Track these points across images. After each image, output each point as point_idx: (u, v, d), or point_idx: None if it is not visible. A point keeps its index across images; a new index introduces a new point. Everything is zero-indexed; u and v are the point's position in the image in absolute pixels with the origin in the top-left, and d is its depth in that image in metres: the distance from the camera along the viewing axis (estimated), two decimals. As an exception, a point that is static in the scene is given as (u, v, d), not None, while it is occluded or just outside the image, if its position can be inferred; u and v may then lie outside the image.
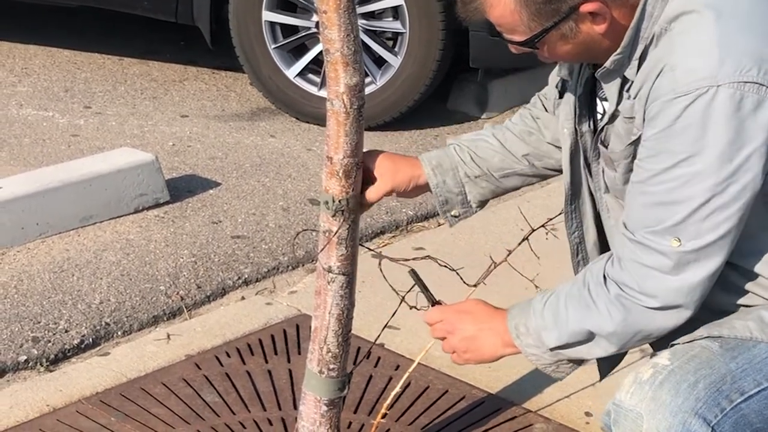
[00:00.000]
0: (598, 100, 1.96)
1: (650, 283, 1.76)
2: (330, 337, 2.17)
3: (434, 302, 2.13)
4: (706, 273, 1.76)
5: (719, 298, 1.84)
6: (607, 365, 2.23)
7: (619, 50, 1.80)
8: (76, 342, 3.05)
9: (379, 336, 2.46)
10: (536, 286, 2.43)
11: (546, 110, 2.19)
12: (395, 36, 4.82)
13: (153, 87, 5.31)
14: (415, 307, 2.32)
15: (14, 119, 4.76)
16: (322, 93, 4.74)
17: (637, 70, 1.80)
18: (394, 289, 2.30)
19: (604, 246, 2.08)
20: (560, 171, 2.15)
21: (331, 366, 2.19)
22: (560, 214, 2.21)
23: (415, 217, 3.93)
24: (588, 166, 2.00)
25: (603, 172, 1.96)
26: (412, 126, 4.90)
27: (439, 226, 3.89)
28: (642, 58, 1.80)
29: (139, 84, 5.34)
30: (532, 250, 2.36)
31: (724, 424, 1.72)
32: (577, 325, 1.83)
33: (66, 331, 3.08)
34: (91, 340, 3.08)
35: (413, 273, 2.15)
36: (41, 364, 2.95)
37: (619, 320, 1.79)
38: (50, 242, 3.59)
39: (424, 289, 2.15)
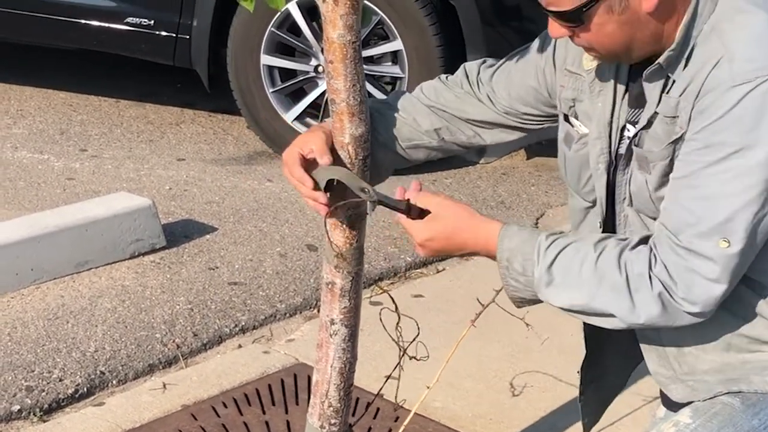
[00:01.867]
0: (628, 125, 1.87)
1: (697, 291, 1.69)
2: (332, 390, 2.13)
3: (407, 207, 1.93)
4: (739, 278, 1.71)
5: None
6: (591, 419, 2.19)
7: (673, 46, 1.74)
8: (70, 391, 3.00)
9: (381, 388, 2.42)
10: (527, 324, 2.40)
11: (472, 89, 2.09)
12: (394, 81, 4.81)
13: (149, 130, 5.29)
14: (415, 358, 2.29)
15: (9, 162, 4.73)
16: (320, 137, 4.71)
17: (684, 68, 1.75)
18: (396, 341, 2.28)
19: None
20: (466, 148, 2.12)
21: (333, 420, 2.14)
22: None
23: (414, 263, 3.89)
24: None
25: (629, 180, 1.86)
26: (410, 171, 4.86)
27: (438, 272, 3.85)
28: (689, 58, 1.74)
29: (135, 127, 5.31)
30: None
31: None
32: (601, 305, 1.74)
33: (60, 380, 3.03)
34: (85, 389, 3.02)
35: (375, 198, 1.94)
36: (35, 414, 2.89)
37: (654, 315, 1.72)
38: (45, 288, 3.54)
39: (393, 203, 1.95)
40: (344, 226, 2.03)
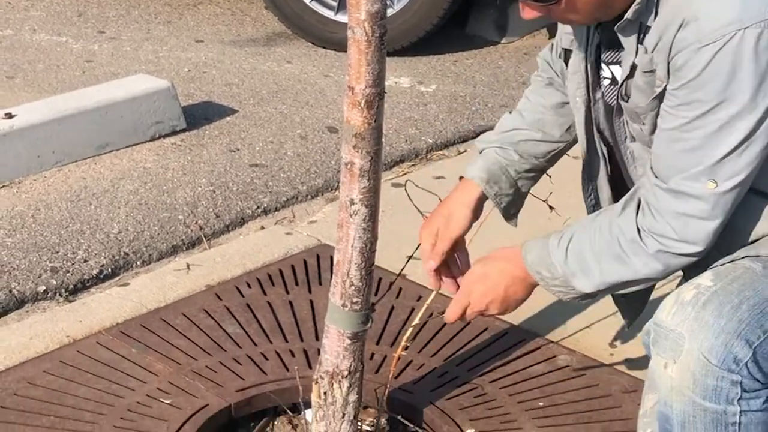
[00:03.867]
0: (603, 66, 1.96)
1: (691, 231, 1.78)
2: (353, 270, 2.13)
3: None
4: (733, 208, 1.79)
5: (757, 227, 1.85)
6: (632, 313, 2.21)
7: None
8: (95, 272, 3.03)
9: (403, 268, 2.43)
10: (550, 207, 2.41)
11: (557, 75, 2.18)
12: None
13: (167, 11, 5.23)
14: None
15: (28, 44, 4.70)
16: (339, 17, 4.66)
17: (654, 17, 1.79)
18: (420, 212, 2.30)
19: (616, 189, 2.07)
20: None
21: (355, 299, 2.16)
22: None
23: (435, 145, 3.88)
24: (600, 131, 2.01)
25: (626, 123, 1.95)
26: (430, 51, 4.82)
27: (459, 154, 3.83)
28: (657, 6, 1.79)
29: (152, 8, 5.25)
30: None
31: (766, 345, 1.71)
32: (613, 277, 1.87)
33: (85, 261, 3.06)
34: (110, 270, 3.05)
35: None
36: (60, 295, 2.93)
37: (660, 270, 1.83)
38: (66, 171, 3.55)
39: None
40: (362, 105, 2.02)
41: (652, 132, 1.87)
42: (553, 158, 2.21)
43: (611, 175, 2.07)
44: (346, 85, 2.04)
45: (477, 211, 2.17)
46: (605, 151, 2.04)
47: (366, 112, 2.03)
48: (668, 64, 1.76)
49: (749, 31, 1.68)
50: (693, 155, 1.76)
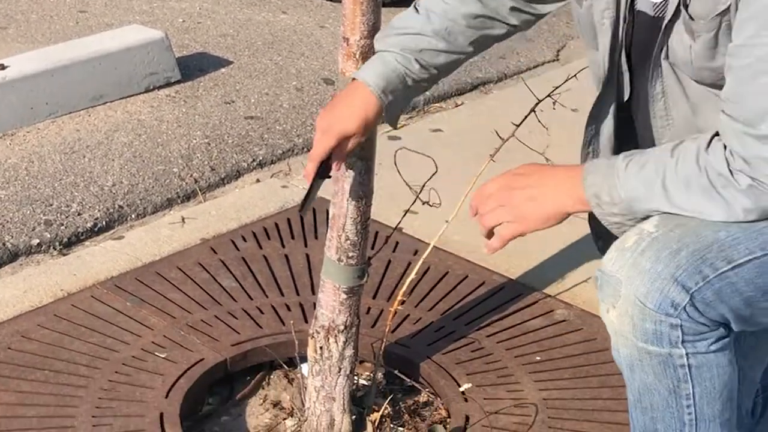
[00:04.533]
0: None
1: None
2: (348, 224, 2.11)
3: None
4: None
5: None
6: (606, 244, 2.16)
7: None
8: (89, 225, 3.01)
9: (399, 221, 2.41)
10: (546, 159, 2.37)
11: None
12: None
13: (161, -39, 5.17)
14: (428, 203, 2.27)
15: (20, -6, 4.65)
16: (336, -33, 4.61)
17: None
18: (409, 186, 2.25)
19: (618, 140, 1.93)
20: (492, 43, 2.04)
21: (350, 254, 2.14)
22: (565, 82, 2.20)
23: (432, 97, 3.84)
24: (628, 55, 1.84)
25: (671, 35, 1.76)
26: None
27: (456, 106, 3.80)
28: None
29: (147, -43, 5.19)
30: (539, 121, 2.31)
31: (706, 291, 1.64)
32: (690, 206, 1.67)
33: (79, 214, 3.03)
34: (104, 223, 3.03)
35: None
36: (54, 248, 2.91)
37: (748, 207, 1.65)
38: (60, 123, 3.52)
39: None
40: (357, 56, 1.98)
41: (698, 58, 1.71)
42: (450, 68, 2.04)
43: (619, 120, 1.92)
44: (341, 36, 2.00)
45: (370, 119, 1.96)
46: (627, 80, 1.85)
47: (361, 63, 2.00)
48: None
49: None
50: None
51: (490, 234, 1.80)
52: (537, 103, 2.33)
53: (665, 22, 1.76)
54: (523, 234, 1.78)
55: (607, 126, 1.95)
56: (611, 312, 1.69)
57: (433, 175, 2.26)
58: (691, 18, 1.69)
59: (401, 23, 1.97)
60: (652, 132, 1.89)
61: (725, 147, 1.65)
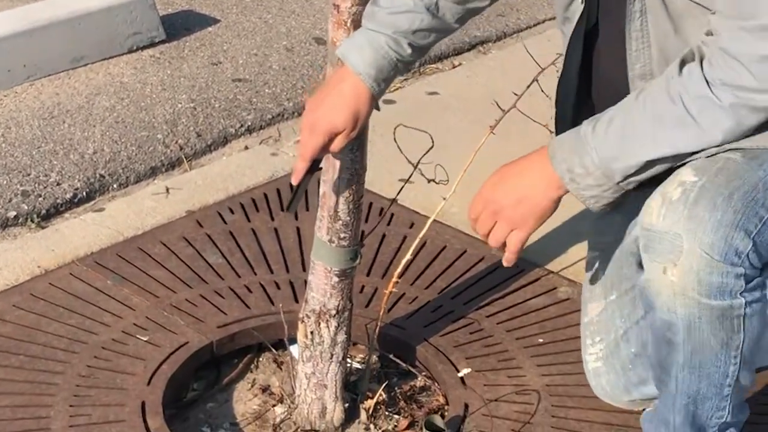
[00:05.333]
0: None
1: None
2: (340, 204, 1.98)
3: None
4: None
5: None
6: None
7: None
8: (68, 196, 2.86)
9: (398, 194, 2.28)
10: (550, 131, 2.25)
11: None
12: None
13: None
14: (434, 180, 2.15)
15: (-2, -51, 4.46)
16: None
17: None
18: (409, 161, 2.13)
19: (586, 70, 1.85)
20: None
21: (342, 235, 2.00)
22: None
23: (428, 58, 3.67)
24: None
25: None
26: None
27: (453, 68, 3.64)
28: None
29: None
30: (543, 91, 2.17)
31: (764, 233, 1.63)
32: (669, 146, 1.62)
33: (58, 184, 2.89)
34: (84, 193, 2.89)
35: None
36: (32, 220, 2.77)
37: (730, 128, 1.60)
38: (39, 86, 3.36)
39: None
40: (349, 24, 1.84)
41: None
42: (431, 47, 1.93)
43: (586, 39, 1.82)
44: (330, 2, 1.86)
45: (361, 111, 1.83)
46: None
47: (352, 31, 1.85)
48: None
49: None
50: None
51: (502, 246, 1.77)
52: (538, 73, 2.19)
53: None
54: (530, 235, 1.76)
55: (576, 54, 1.84)
56: (670, 271, 1.62)
57: (430, 149, 2.12)
58: None
59: (390, 1, 1.82)
60: (625, 60, 1.77)
61: (702, 66, 1.59)
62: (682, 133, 1.60)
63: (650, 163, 1.63)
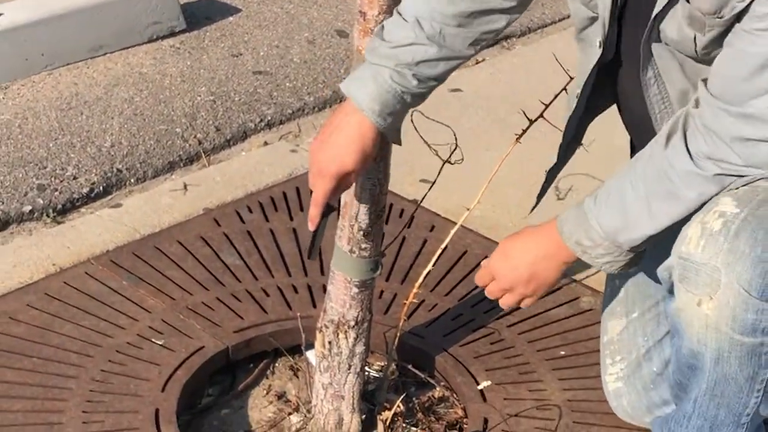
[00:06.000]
0: None
1: (758, 158, 1.58)
2: (362, 213, 1.93)
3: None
4: None
5: None
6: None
7: None
8: (85, 191, 2.83)
9: (423, 199, 2.23)
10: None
11: None
12: None
13: None
14: (449, 161, 2.09)
15: (19, -69, 4.41)
16: None
17: None
18: (429, 145, 2.07)
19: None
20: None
21: (363, 245, 1.96)
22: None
23: (452, 52, 3.62)
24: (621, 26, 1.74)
25: (665, 27, 1.67)
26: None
27: (476, 63, 3.58)
28: None
29: None
30: (567, 94, 2.10)
31: None
32: (665, 218, 1.66)
33: (74, 178, 2.86)
34: (101, 188, 2.85)
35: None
36: (47, 215, 2.73)
37: (714, 192, 1.63)
38: (57, 75, 3.32)
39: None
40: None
41: (704, 47, 1.64)
42: (448, 75, 1.87)
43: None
44: (357, 9, 1.81)
45: (368, 148, 1.79)
46: (606, 24, 1.75)
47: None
48: None
49: None
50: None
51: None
52: (568, 83, 2.13)
53: (657, 10, 1.65)
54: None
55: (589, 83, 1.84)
56: (705, 304, 1.60)
57: (454, 151, 2.07)
58: (696, 7, 1.59)
59: (392, 35, 1.76)
60: (651, 121, 1.80)
61: (686, 139, 1.62)
62: (675, 207, 1.64)
63: (653, 237, 1.68)
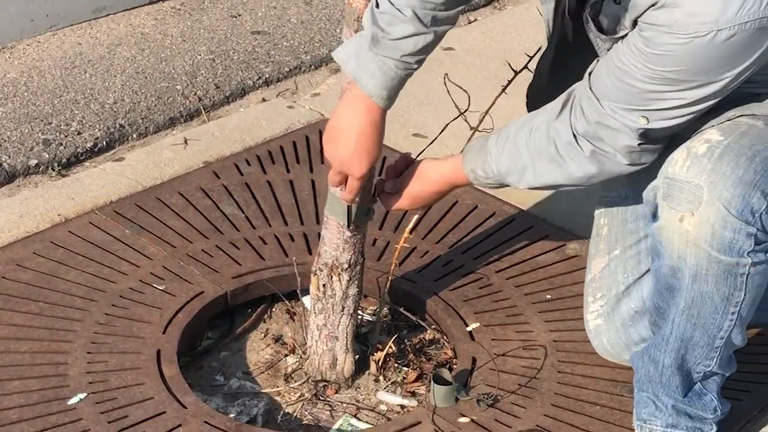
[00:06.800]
0: None
1: (621, 143, 1.77)
2: (354, 160, 2.01)
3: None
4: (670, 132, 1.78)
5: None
6: None
7: None
8: (89, 145, 2.91)
9: (419, 155, 2.30)
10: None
11: None
12: None
13: None
14: (476, 129, 2.19)
15: None
16: None
17: None
18: (457, 107, 2.18)
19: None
20: None
21: (356, 190, 2.04)
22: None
23: (447, 12, 3.69)
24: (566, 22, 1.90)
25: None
26: None
27: (469, 23, 3.66)
28: None
29: None
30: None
31: None
32: (547, 178, 1.87)
33: (79, 134, 2.94)
34: (104, 143, 2.94)
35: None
36: (53, 169, 2.82)
37: (594, 173, 1.83)
38: (62, 35, 3.40)
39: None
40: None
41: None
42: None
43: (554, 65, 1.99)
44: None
45: (381, 130, 1.97)
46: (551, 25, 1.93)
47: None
48: (635, 22, 1.69)
49: (722, 33, 1.59)
50: (634, 97, 1.72)
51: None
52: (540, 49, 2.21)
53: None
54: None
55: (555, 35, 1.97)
56: (687, 220, 1.72)
57: (467, 109, 2.19)
58: (600, 30, 1.78)
59: (393, 29, 1.86)
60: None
61: (571, 112, 1.80)
62: (556, 170, 1.84)
63: (535, 188, 1.90)
